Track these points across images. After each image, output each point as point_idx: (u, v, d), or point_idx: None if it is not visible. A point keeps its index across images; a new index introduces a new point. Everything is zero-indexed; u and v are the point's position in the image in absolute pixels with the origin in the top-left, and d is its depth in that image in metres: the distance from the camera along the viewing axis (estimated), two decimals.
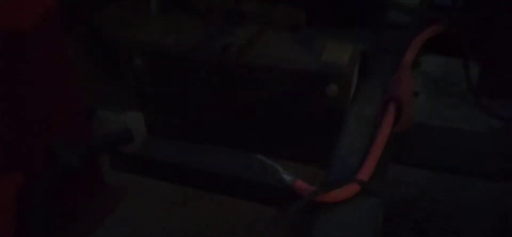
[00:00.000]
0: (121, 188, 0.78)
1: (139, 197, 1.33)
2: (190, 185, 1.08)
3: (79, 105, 0.65)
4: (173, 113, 1.04)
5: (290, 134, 0.94)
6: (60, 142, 0.54)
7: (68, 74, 0.63)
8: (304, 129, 0.92)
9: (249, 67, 0.90)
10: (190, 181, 1.02)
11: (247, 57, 0.90)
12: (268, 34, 0.98)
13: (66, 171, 0.52)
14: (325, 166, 0.80)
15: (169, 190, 1.43)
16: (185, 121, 1.03)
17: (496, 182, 1.30)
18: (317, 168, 0.90)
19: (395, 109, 0.70)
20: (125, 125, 1.04)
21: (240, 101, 0.94)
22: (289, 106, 0.91)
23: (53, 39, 0.59)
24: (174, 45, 0.96)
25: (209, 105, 0.98)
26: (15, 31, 0.51)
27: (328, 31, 0.99)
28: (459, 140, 1.27)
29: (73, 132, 0.61)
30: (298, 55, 0.90)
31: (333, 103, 0.86)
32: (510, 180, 1.18)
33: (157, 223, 1.41)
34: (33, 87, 0.54)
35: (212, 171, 0.94)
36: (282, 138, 0.95)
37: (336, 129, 0.85)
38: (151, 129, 1.09)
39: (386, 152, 0.72)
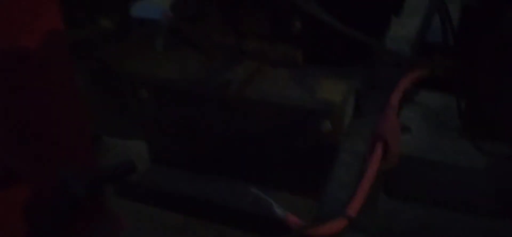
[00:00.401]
0: (123, 215, 0.81)
1: (140, 224, 1.36)
2: (189, 213, 1.11)
3: (86, 133, 0.69)
4: (175, 143, 1.09)
5: (286, 166, 0.97)
6: (68, 171, 0.59)
7: (76, 101, 0.67)
8: (299, 161, 0.96)
9: (248, 102, 0.95)
10: (189, 209, 1.06)
11: (246, 93, 0.95)
12: (266, 71, 1.03)
13: (72, 201, 0.56)
14: (318, 198, 0.84)
15: (170, 218, 1.46)
16: (186, 151, 1.08)
17: (492, 219, 1.33)
18: (312, 200, 0.93)
19: (382, 148, 0.74)
20: (129, 154, 1.09)
21: (239, 134, 0.99)
22: (286, 140, 0.95)
23: (61, 65, 0.62)
24: (178, 79, 1.01)
25: (209, 137, 1.02)
26: (21, 54, 0.54)
27: (325, 68, 1.05)
28: (456, 176, 1.30)
29: (80, 159, 0.66)
30: (294, 92, 0.95)
31: (326, 138, 0.91)
32: (504, 217, 1.20)
33: None
34: (40, 114, 0.58)
35: (211, 200, 0.97)
36: (278, 169, 0.99)
37: (329, 163, 0.90)
38: (154, 157, 1.13)
39: (375, 187, 0.76)
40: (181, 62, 1.08)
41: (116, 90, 1.09)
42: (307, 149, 0.93)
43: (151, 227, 1.47)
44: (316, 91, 0.95)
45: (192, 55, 1.09)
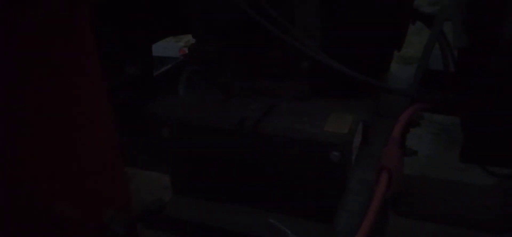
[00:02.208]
0: None
1: None
2: None
3: (123, 172, 0.77)
4: (195, 175, 1.17)
5: (300, 194, 1.05)
6: (110, 212, 0.68)
7: (116, 143, 0.73)
8: (311, 189, 1.04)
9: (263, 137, 1.03)
10: None
11: (260, 128, 1.03)
12: (279, 107, 1.12)
13: None
14: (330, 223, 0.91)
15: None
16: (206, 182, 1.16)
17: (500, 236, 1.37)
18: (324, 225, 1.00)
19: (386, 177, 0.81)
20: (148, 182, 1.18)
21: (255, 165, 1.07)
22: (298, 170, 1.03)
23: (104, 112, 0.70)
24: (197, 118, 1.11)
25: (228, 169, 1.11)
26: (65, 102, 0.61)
27: (333, 101, 1.13)
28: (465, 193, 1.35)
29: (119, 199, 0.74)
30: (305, 126, 1.03)
31: (336, 167, 0.98)
32: None
33: None
34: (88, 159, 0.66)
35: (230, 229, 1.05)
36: (293, 197, 1.06)
37: (339, 190, 0.97)
38: (176, 188, 1.22)
39: (381, 214, 0.83)
40: (200, 102, 1.17)
41: (140, 128, 1.18)
42: (318, 177, 1.01)
43: None
44: (325, 124, 1.03)
45: (211, 95, 1.19)
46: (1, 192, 0.57)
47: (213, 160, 1.11)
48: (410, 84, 1.28)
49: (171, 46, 2.11)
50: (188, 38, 2.00)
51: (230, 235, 1.05)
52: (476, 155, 0.89)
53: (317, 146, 0.99)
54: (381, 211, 0.85)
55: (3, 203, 0.58)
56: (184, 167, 1.18)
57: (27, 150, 0.57)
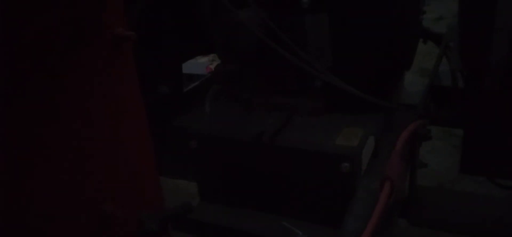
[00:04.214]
0: None
1: None
2: None
3: (157, 177, 0.89)
4: (220, 183, 1.29)
5: (313, 201, 1.15)
6: (145, 212, 0.80)
7: (152, 151, 0.86)
8: (324, 197, 1.13)
9: (279, 149, 1.14)
10: None
11: (277, 141, 1.14)
12: (294, 120, 1.23)
13: (149, 235, 0.77)
14: (338, 227, 1.00)
15: None
16: (229, 189, 1.28)
17: None
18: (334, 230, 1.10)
19: (389, 187, 0.90)
20: (177, 190, 1.30)
21: (273, 174, 1.18)
22: (312, 180, 1.13)
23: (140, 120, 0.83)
24: (221, 131, 1.23)
25: (248, 178, 1.22)
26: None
27: (345, 116, 1.23)
28: (475, 204, 1.40)
29: (154, 201, 0.86)
30: (318, 139, 1.13)
31: (346, 178, 1.08)
32: None
33: None
34: (130, 164, 0.78)
35: (250, 232, 1.16)
36: (306, 203, 1.16)
37: (349, 198, 1.06)
38: (203, 195, 1.34)
39: (384, 220, 0.92)
40: (223, 116, 1.30)
41: (170, 141, 1.31)
42: (330, 186, 1.11)
43: None
44: (337, 137, 1.13)
45: (233, 110, 1.31)
46: (60, 193, 0.70)
47: (235, 169, 1.23)
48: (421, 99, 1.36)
49: (198, 64, 2.26)
50: (214, 56, 2.14)
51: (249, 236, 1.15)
52: (474, 166, 0.96)
53: (329, 158, 1.09)
54: (385, 218, 0.94)
55: (59, 204, 0.71)
56: (210, 175, 1.30)
57: (84, 158, 0.70)
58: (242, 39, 1.14)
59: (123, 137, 0.73)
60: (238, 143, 1.20)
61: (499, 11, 0.76)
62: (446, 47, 1.28)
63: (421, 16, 1.26)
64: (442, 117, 1.21)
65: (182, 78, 1.36)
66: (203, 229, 1.26)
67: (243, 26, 1.10)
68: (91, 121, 0.70)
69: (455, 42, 1.03)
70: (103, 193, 0.74)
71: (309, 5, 1.07)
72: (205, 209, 1.29)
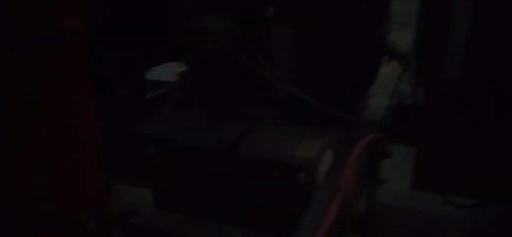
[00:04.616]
0: None
1: None
2: None
3: (103, 180, 0.87)
4: (177, 191, 1.27)
5: (269, 211, 1.14)
6: (87, 213, 0.78)
7: (98, 156, 0.85)
8: (280, 207, 1.12)
9: (238, 157, 1.13)
10: None
11: (236, 150, 1.13)
12: (255, 130, 1.22)
13: (88, 234, 0.75)
14: None
15: None
16: (185, 197, 1.25)
17: None
18: None
19: (340, 198, 0.90)
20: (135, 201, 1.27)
21: (231, 183, 1.16)
22: (269, 189, 1.12)
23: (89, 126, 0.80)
24: (181, 137, 1.21)
25: (206, 186, 1.20)
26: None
27: (306, 128, 1.23)
28: (428, 222, 1.42)
29: (97, 202, 0.84)
30: (276, 149, 1.13)
31: (302, 188, 1.07)
32: None
33: None
34: (72, 165, 0.76)
35: None
36: (262, 213, 1.15)
37: (304, 208, 1.05)
38: (158, 202, 1.31)
39: (335, 231, 0.92)
40: (185, 123, 1.28)
41: (129, 147, 1.29)
42: (286, 197, 1.10)
43: None
44: (295, 148, 1.13)
45: (196, 116, 1.30)
46: None
47: (193, 177, 1.21)
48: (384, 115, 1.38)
49: (168, 70, 2.23)
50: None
51: None
52: (425, 182, 0.97)
53: (286, 168, 1.08)
54: (336, 229, 0.93)
55: None
56: (167, 182, 1.27)
57: (19, 155, 0.68)
58: (207, 46, 1.14)
59: (65, 134, 0.71)
60: (197, 149, 1.18)
61: (452, 32, 0.78)
62: (409, 65, 1.30)
63: (386, 34, 1.28)
64: (403, 136, 1.22)
65: (145, 83, 1.34)
66: (151, 235, 1.23)
67: (208, 33, 1.10)
68: (30, 116, 0.68)
69: (412, 60, 1.06)
70: (41, 190, 0.71)
71: (274, 15, 1.08)
72: (158, 217, 1.27)
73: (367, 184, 1.33)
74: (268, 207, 1.13)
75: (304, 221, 0.97)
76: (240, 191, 1.16)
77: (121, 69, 1.20)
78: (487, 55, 0.78)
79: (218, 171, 1.17)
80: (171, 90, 1.33)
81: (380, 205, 1.41)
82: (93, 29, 1.02)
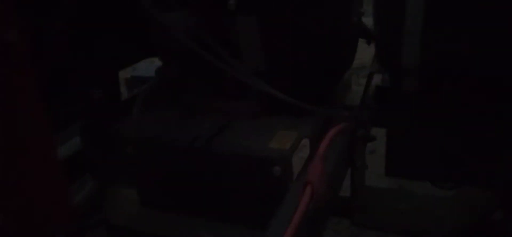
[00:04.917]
0: None
1: None
2: None
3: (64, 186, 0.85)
4: (158, 189, 1.27)
5: (248, 205, 1.14)
6: (50, 226, 0.77)
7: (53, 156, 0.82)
8: (258, 202, 1.12)
9: (212, 154, 1.12)
10: None
11: (210, 146, 1.13)
12: (231, 125, 1.21)
13: None
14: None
15: None
16: (167, 195, 1.25)
17: None
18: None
19: (310, 191, 0.90)
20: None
21: (208, 180, 1.16)
22: (245, 184, 1.12)
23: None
24: (157, 136, 1.20)
25: (184, 183, 1.20)
26: None
27: (282, 118, 1.22)
28: (417, 204, 1.41)
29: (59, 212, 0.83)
30: (251, 143, 1.12)
31: (278, 181, 1.07)
32: None
33: None
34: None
35: None
36: (239, 207, 1.15)
37: (279, 201, 1.05)
38: (143, 201, 1.32)
39: (308, 224, 0.91)
40: (163, 120, 1.27)
41: (108, 147, 1.29)
42: (263, 190, 1.10)
43: None
44: (270, 141, 1.12)
45: (171, 114, 1.29)
46: None
47: (172, 175, 1.21)
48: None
49: (153, 66, 2.22)
50: None
51: None
52: (397, 168, 0.96)
53: (261, 162, 1.07)
54: (309, 222, 0.93)
55: None
56: (148, 181, 1.28)
57: None
58: (171, 43, 1.12)
59: (14, 146, 0.70)
60: (173, 148, 1.18)
61: (408, 14, 0.76)
62: None
63: (358, 15, 1.25)
64: (382, 118, 1.21)
65: (118, 83, 1.33)
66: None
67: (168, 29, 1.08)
68: None
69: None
70: None
71: (236, 7, 1.06)
72: (143, 216, 1.27)
73: (350, 170, 1.33)
74: (247, 201, 1.13)
75: (277, 215, 0.97)
76: (218, 187, 1.16)
77: (92, 70, 1.19)
78: (446, 38, 0.76)
79: (195, 168, 1.17)
80: (143, 88, 1.32)
81: (367, 188, 1.40)
82: (59, 30, 1.02)
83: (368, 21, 1.40)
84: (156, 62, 1.48)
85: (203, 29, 1.08)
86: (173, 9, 1.09)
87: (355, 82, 1.76)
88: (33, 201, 0.75)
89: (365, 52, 1.63)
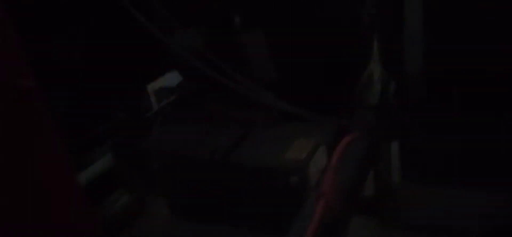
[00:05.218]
0: None
1: None
2: None
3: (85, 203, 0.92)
4: (186, 200, 1.32)
5: (267, 215, 1.16)
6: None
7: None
8: (278, 211, 1.14)
9: (231, 166, 1.15)
10: None
11: (229, 158, 1.16)
12: (250, 135, 1.23)
13: None
14: None
15: None
16: (194, 205, 1.30)
17: None
18: None
19: (324, 202, 0.90)
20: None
21: (227, 190, 1.19)
22: (265, 193, 1.14)
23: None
24: (180, 150, 1.25)
25: (208, 192, 1.24)
26: None
27: (301, 125, 1.22)
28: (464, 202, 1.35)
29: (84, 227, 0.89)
30: (268, 153, 1.14)
31: (295, 190, 1.08)
32: None
33: None
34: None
35: None
36: (260, 216, 1.17)
37: (298, 209, 1.06)
38: (174, 210, 1.37)
39: (321, 234, 0.92)
40: (183, 134, 1.32)
41: (138, 162, 1.35)
42: (282, 200, 1.11)
43: None
44: (287, 150, 1.13)
45: (191, 127, 1.33)
46: None
47: (194, 185, 1.25)
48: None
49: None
50: None
51: None
52: (414, 174, 0.94)
53: (278, 172, 1.09)
54: (325, 231, 0.94)
55: None
56: (175, 192, 1.33)
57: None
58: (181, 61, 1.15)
59: (34, 179, 0.77)
60: (194, 160, 1.22)
61: (407, 16, 0.74)
62: None
63: (370, 15, 1.21)
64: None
65: (141, 103, 1.39)
66: None
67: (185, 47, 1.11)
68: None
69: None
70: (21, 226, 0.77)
71: (242, 25, 1.07)
72: (174, 225, 1.33)
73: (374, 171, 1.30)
74: (266, 211, 1.15)
75: (294, 226, 0.98)
76: (237, 197, 1.19)
77: (115, 94, 1.26)
78: (447, 43, 0.73)
79: (215, 179, 1.20)
80: (165, 103, 1.37)
81: (393, 186, 1.37)
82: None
83: None
84: None
85: (212, 46, 1.11)
86: (182, 28, 1.12)
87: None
88: (59, 221, 0.80)
89: None
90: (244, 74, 1.17)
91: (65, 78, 1.14)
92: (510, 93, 0.71)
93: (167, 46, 1.24)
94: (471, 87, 0.73)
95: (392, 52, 0.81)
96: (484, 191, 1.18)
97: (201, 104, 1.38)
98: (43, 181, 0.78)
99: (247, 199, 1.17)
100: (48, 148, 0.79)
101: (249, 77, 1.19)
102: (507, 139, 0.75)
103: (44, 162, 0.79)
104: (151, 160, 1.29)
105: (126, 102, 1.30)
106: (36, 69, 0.75)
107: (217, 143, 1.21)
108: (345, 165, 1.01)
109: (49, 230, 0.79)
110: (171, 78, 2.17)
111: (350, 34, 1.12)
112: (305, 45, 1.10)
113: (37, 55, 0.81)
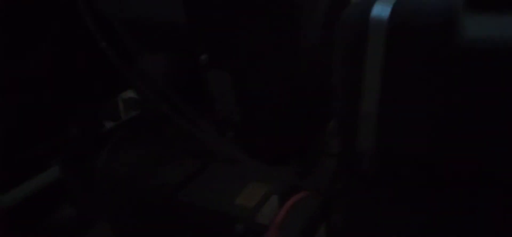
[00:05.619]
0: None
1: None
2: None
3: None
4: (128, 226, 1.27)
5: None
6: None
7: None
8: None
9: (179, 203, 1.11)
10: None
11: (177, 195, 1.11)
12: (205, 170, 1.19)
13: None
14: None
15: None
16: (137, 234, 1.25)
17: None
18: None
19: None
20: None
21: (173, 224, 1.14)
22: (209, 236, 1.10)
23: None
24: (127, 177, 1.20)
25: (151, 226, 1.19)
26: None
27: (257, 168, 1.18)
28: None
29: None
30: (218, 195, 1.09)
31: None
32: None
33: None
34: None
35: None
36: None
37: None
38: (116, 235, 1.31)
39: None
40: (136, 159, 1.26)
41: (86, 180, 1.30)
42: None
43: None
44: (238, 195, 1.09)
45: (148, 152, 1.28)
46: None
47: (140, 216, 1.20)
48: None
49: None
50: None
51: None
52: None
53: (224, 218, 1.05)
54: None
55: None
56: (121, 218, 1.28)
57: None
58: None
59: None
60: (142, 191, 1.17)
61: (364, 99, 0.71)
62: None
63: None
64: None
65: (96, 120, 1.34)
66: None
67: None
68: None
69: None
70: None
71: (207, 63, 1.04)
72: None
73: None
74: None
75: None
76: (182, 234, 1.14)
77: (69, 109, 1.20)
78: (400, 121, 0.71)
79: (162, 213, 1.15)
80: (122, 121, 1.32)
81: None
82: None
83: None
84: None
85: (174, 77, 1.07)
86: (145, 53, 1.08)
87: None
88: None
89: None
90: (206, 110, 1.14)
91: (19, 88, 1.09)
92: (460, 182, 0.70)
93: (124, 71, 1.20)
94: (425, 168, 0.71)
95: (345, 123, 0.78)
96: None
97: (161, 128, 1.33)
98: None
99: None
100: None
101: (211, 113, 1.15)
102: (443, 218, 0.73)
103: None
104: (97, 180, 1.24)
105: (81, 117, 1.24)
106: None
107: (169, 175, 1.17)
108: (292, 222, 0.98)
109: None
110: None
111: (318, 82, 1.09)
112: (269, 90, 1.07)
113: None
